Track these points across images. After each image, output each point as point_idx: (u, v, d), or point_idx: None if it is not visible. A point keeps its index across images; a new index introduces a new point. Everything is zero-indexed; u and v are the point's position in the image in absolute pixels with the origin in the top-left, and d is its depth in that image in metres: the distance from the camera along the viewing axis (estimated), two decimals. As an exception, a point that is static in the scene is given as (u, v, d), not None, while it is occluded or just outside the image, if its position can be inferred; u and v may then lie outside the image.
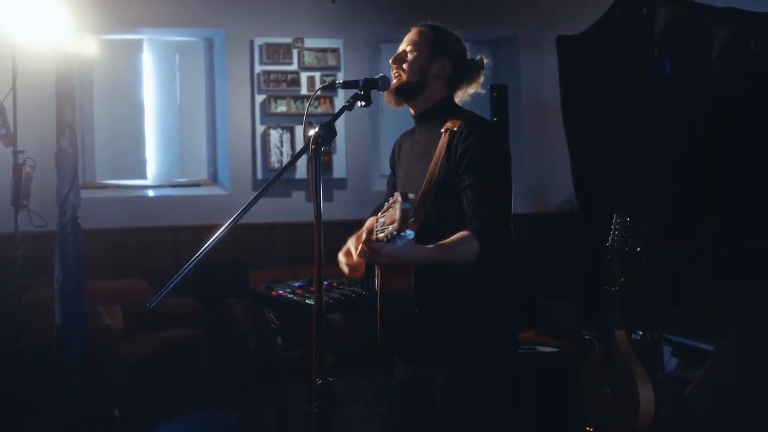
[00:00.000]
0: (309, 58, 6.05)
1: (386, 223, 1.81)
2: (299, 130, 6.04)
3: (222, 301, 5.13)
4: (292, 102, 6.04)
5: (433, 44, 2.14)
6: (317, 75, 6.06)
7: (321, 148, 1.91)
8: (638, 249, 2.91)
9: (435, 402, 2.06)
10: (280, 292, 2.65)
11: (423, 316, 1.98)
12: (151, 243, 5.76)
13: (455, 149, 2.04)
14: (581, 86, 5.19)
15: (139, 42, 6.05)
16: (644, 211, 3.12)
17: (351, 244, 2.23)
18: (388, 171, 7.24)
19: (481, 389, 2.02)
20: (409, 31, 2.24)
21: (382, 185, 6.60)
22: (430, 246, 1.94)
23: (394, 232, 1.74)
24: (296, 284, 2.75)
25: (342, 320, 2.78)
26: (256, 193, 1.94)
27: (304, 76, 6.04)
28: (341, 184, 6.19)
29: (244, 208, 1.95)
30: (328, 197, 6.19)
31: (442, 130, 2.09)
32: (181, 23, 5.96)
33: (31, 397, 3.91)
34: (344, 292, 2.58)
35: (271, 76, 6.00)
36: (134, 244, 5.71)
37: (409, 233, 1.73)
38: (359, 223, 7.26)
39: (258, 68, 6.00)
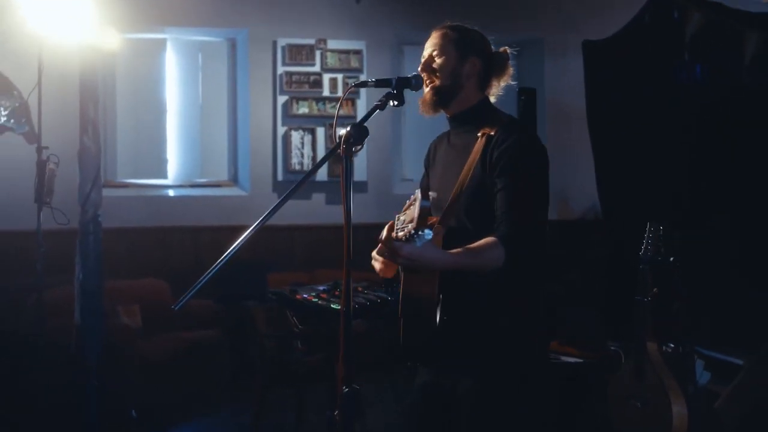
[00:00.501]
0: (332, 60, 6.02)
1: (405, 222, 1.77)
2: (321, 132, 6.01)
3: (241, 303, 5.10)
4: (314, 103, 6.00)
5: (459, 44, 2.09)
6: (340, 77, 6.02)
7: (352, 147, 1.86)
8: (671, 258, 2.83)
9: (458, 412, 2.00)
10: (305, 295, 2.60)
11: (448, 323, 1.93)
12: (171, 243, 5.74)
13: (491, 153, 1.98)
14: (607, 91, 5.11)
15: (163, 41, 6.04)
16: (672, 219, 3.04)
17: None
18: (409, 175, 7.19)
19: (508, 402, 1.96)
20: (431, 33, 2.18)
21: (403, 189, 6.56)
22: (453, 251, 1.88)
23: (412, 231, 1.69)
24: (321, 288, 2.69)
25: (364, 325, 2.74)
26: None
27: (326, 78, 6.01)
28: (362, 187, 6.14)
29: (270, 212, 1.92)
30: (349, 200, 6.14)
31: (479, 134, 2.03)
32: (204, 23, 5.95)
33: (49, 396, 3.89)
34: (369, 296, 2.53)
35: (294, 77, 5.97)
36: (154, 244, 5.69)
37: (428, 232, 1.68)
38: (380, 227, 7.19)
39: (280, 69, 5.97)
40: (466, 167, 1.99)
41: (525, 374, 1.98)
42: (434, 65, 2.09)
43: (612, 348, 3.22)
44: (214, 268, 1.83)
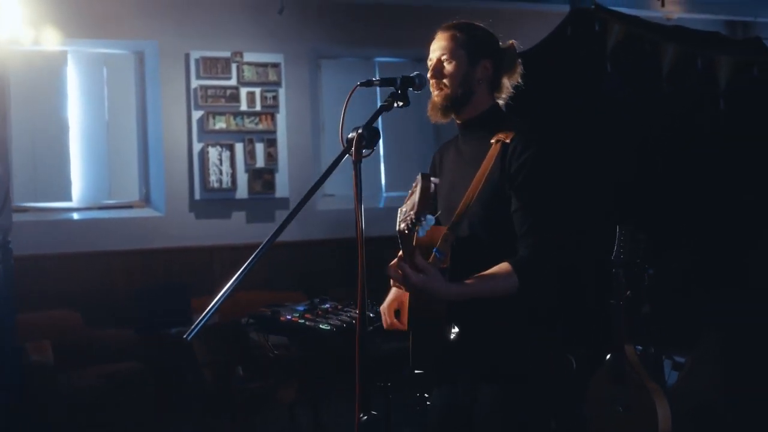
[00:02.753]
0: (249, 73, 5.80)
1: (407, 211, 1.66)
2: (239, 147, 5.77)
3: (163, 332, 4.78)
4: (231, 118, 5.76)
5: (469, 47, 1.97)
6: (257, 90, 5.82)
7: (362, 151, 1.72)
8: (638, 261, 2.87)
9: (476, 424, 1.89)
10: (288, 317, 2.42)
11: (461, 337, 1.83)
12: (80, 270, 5.30)
13: (509, 164, 1.88)
14: (530, 100, 5.20)
15: (63, 54, 5.60)
16: (627, 222, 3.09)
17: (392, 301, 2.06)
18: (331, 190, 7.03)
19: (530, 415, 1.87)
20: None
21: (326, 205, 6.41)
22: (465, 282, 1.80)
23: (413, 218, 1.58)
24: (300, 308, 2.52)
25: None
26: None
27: (243, 92, 5.78)
28: (284, 203, 5.94)
29: (277, 230, 1.73)
30: (270, 217, 5.93)
31: (493, 140, 1.92)
32: (108, 34, 5.59)
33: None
34: (352, 314, 2.38)
35: (209, 92, 5.70)
36: (61, 272, 5.23)
37: (430, 218, 1.59)
38: (303, 245, 6.95)
39: (194, 83, 5.69)
40: (479, 175, 1.88)
41: (544, 387, 1.90)
42: (444, 71, 1.97)
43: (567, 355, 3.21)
44: (225, 292, 1.63)
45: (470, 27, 2.03)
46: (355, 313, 2.45)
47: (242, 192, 5.78)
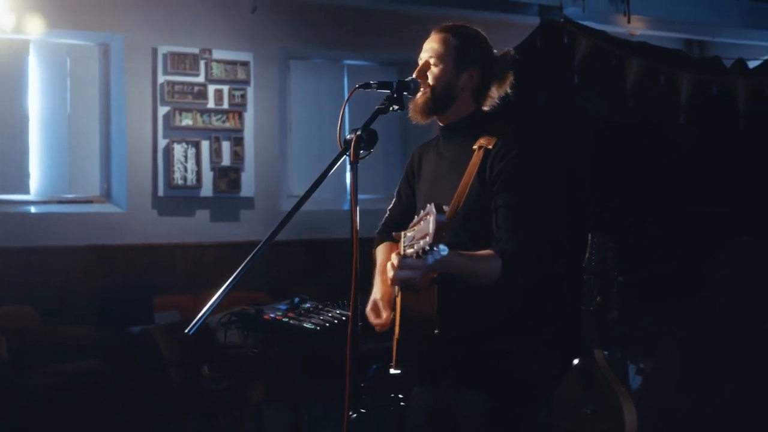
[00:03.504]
0: (217, 71, 5.75)
1: (416, 238, 1.65)
2: (206, 145, 5.72)
3: (127, 329, 4.70)
4: (198, 115, 5.70)
5: (459, 53, 1.99)
6: (225, 88, 5.77)
7: (360, 153, 1.74)
8: (609, 268, 2.96)
9: (460, 425, 1.93)
10: (272, 315, 2.42)
11: (447, 338, 1.86)
12: (38, 265, 5.17)
13: (491, 168, 1.91)
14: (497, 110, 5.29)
15: (25, 44, 5.47)
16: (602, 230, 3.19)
17: (379, 300, 2.05)
18: (296, 191, 7.04)
19: (513, 417, 1.92)
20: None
21: (290, 205, 6.36)
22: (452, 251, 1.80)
23: (427, 247, 1.58)
24: (282, 307, 2.52)
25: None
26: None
27: (211, 89, 5.73)
28: (249, 203, 5.91)
29: (280, 224, 1.73)
30: (234, 217, 5.88)
31: (475, 146, 1.95)
32: (73, 25, 5.47)
33: None
34: (333, 314, 2.40)
35: (176, 88, 5.63)
36: (17, 266, 5.09)
37: (443, 248, 1.58)
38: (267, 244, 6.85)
39: (161, 78, 5.62)
40: (463, 182, 1.90)
41: (529, 390, 1.95)
42: (429, 73, 2.00)
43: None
44: (228, 285, 1.63)
45: (465, 32, 2.03)
46: (337, 312, 2.48)
47: (207, 190, 5.72)
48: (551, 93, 4.77)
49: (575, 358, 3.03)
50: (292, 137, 6.30)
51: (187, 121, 5.66)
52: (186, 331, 1.57)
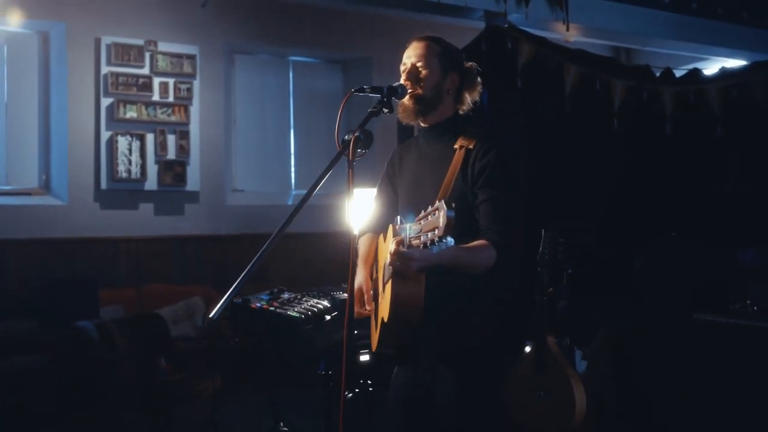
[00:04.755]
0: (163, 63, 5.71)
1: (423, 230, 1.76)
2: (150, 138, 5.66)
3: (71, 324, 4.63)
4: (143, 108, 5.64)
5: (442, 58, 2.17)
6: (171, 81, 5.74)
7: (357, 152, 1.86)
8: (559, 261, 3.16)
9: (440, 406, 2.08)
10: (258, 305, 2.48)
11: (432, 323, 1.99)
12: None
13: (473, 166, 2.07)
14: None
15: (-40, 28, 5.29)
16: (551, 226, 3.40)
17: (363, 287, 2.19)
18: (240, 185, 7.01)
19: (483, 393, 2.08)
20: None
21: (235, 200, 6.39)
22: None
23: (436, 239, 1.71)
24: (265, 297, 2.59)
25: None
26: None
27: (156, 81, 5.68)
28: (194, 197, 5.89)
29: (290, 217, 1.81)
30: (179, 210, 5.86)
31: (456, 146, 2.11)
32: (10, 11, 5.31)
33: None
34: (312, 303, 2.51)
35: (120, 79, 5.56)
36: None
37: (450, 240, 1.71)
38: (211, 239, 6.85)
39: (105, 69, 5.53)
40: (447, 179, 2.05)
41: (495, 364, 2.12)
42: (420, 75, 2.14)
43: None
44: (247, 272, 1.70)
45: (442, 41, 2.22)
46: (314, 301, 2.58)
47: (152, 183, 5.67)
48: (494, 94, 4.97)
49: (524, 337, 3.23)
50: (236, 132, 6.30)
51: (131, 113, 5.60)
52: (210, 315, 1.64)
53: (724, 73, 5.15)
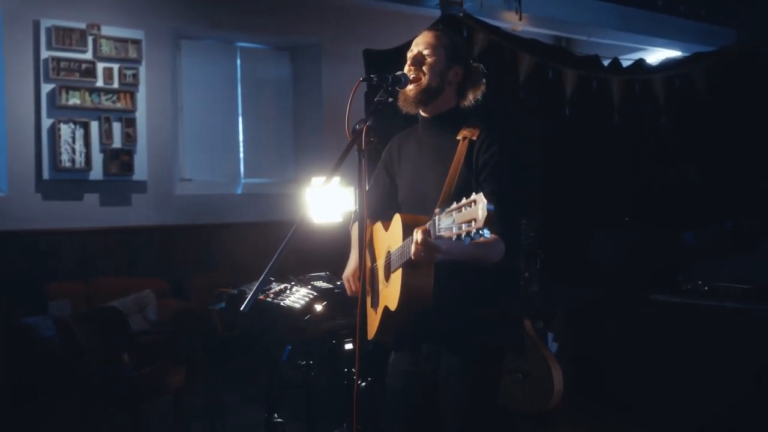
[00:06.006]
0: (107, 48, 5.50)
1: (457, 221, 1.74)
2: (95, 126, 5.46)
3: (15, 320, 4.45)
4: (87, 94, 5.42)
5: (449, 49, 2.15)
6: (116, 66, 5.53)
7: (368, 140, 1.84)
8: (533, 248, 3.24)
9: (441, 390, 2.10)
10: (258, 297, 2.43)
11: (439, 308, 2.01)
12: None
13: (476, 157, 2.08)
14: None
15: None
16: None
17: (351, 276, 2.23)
18: (188, 174, 6.83)
19: (488, 379, 2.12)
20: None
21: (183, 189, 6.22)
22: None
23: (473, 231, 1.70)
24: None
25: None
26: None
27: (100, 67, 5.47)
28: (141, 187, 5.71)
29: (300, 214, 1.78)
30: (126, 201, 5.67)
31: (459, 137, 2.11)
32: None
33: None
34: (301, 293, 2.48)
35: (62, 64, 5.33)
36: None
37: (486, 232, 1.72)
38: (160, 230, 6.68)
39: (45, 54, 5.29)
40: (452, 170, 2.05)
41: (498, 353, 2.15)
42: (425, 62, 2.13)
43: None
44: (269, 269, 1.66)
45: (452, 34, 2.22)
46: (303, 292, 2.56)
47: (97, 173, 5.47)
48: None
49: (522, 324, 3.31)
50: (183, 120, 6.14)
51: (74, 100, 5.37)
52: (241, 308, 1.60)
53: (667, 64, 5.35)
